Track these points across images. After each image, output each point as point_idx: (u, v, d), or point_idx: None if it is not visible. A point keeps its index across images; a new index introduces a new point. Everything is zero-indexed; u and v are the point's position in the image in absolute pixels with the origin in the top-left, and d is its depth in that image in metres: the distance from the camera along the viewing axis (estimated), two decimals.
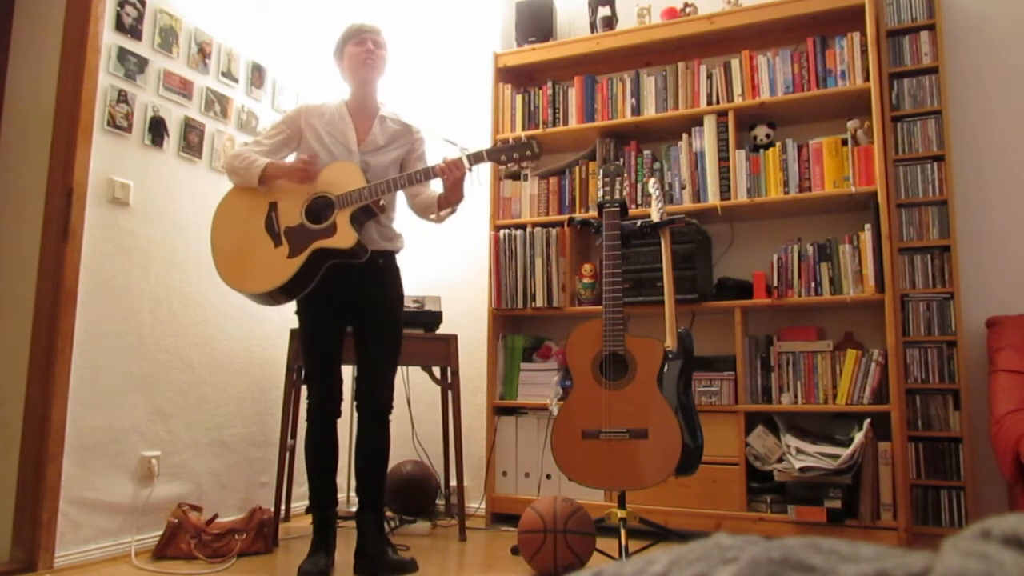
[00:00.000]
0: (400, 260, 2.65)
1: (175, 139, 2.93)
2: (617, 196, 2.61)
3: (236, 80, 3.24)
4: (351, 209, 2.36)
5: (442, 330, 3.16)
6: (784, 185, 3.09)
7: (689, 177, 3.25)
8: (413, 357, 3.03)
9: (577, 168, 3.48)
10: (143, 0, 2.81)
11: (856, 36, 3.03)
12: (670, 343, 2.60)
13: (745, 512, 2.87)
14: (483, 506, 3.35)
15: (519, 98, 3.61)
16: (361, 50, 2.55)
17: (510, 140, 2.45)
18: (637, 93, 3.39)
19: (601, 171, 2.70)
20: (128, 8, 2.75)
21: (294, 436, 3.06)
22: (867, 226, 2.92)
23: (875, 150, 2.93)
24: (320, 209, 2.40)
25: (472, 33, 3.93)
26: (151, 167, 2.83)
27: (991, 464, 2.72)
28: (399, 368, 2.62)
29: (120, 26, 2.72)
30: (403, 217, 2.70)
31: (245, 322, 3.23)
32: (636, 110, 3.38)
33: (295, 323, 2.64)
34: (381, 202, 2.45)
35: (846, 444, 2.74)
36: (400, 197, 2.70)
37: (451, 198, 2.52)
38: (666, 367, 2.53)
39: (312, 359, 2.53)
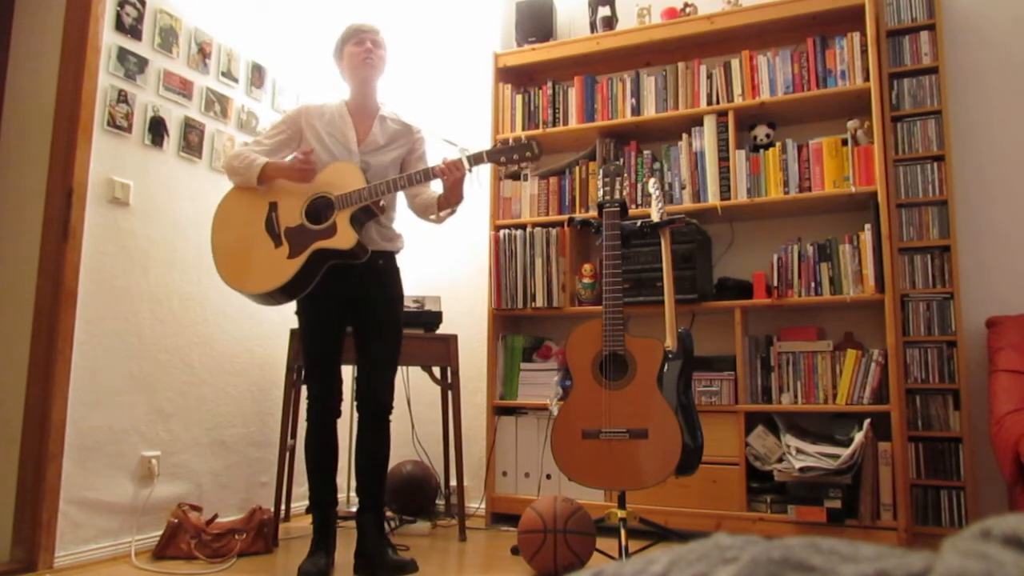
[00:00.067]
0: (400, 260, 2.65)
1: (175, 139, 2.93)
2: (617, 196, 2.61)
3: (236, 80, 3.24)
4: (351, 210, 2.36)
5: (442, 330, 3.16)
6: (784, 185, 3.09)
7: (689, 177, 3.25)
8: (413, 357, 3.03)
9: (577, 168, 3.48)
10: (143, 0, 2.81)
11: (856, 36, 3.03)
12: (670, 343, 2.60)
13: (745, 512, 2.87)
14: (483, 506, 3.35)
15: (519, 98, 3.61)
16: (360, 50, 2.55)
17: (510, 141, 2.45)
18: (637, 93, 3.39)
19: (601, 171, 2.70)
20: (128, 8, 2.75)
21: (294, 436, 3.06)
22: (867, 226, 2.92)
23: (875, 150, 2.93)
24: (320, 209, 2.40)
25: (472, 33, 3.93)
26: (151, 167, 2.83)
27: (991, 464, 2.72)
28: (399, 368, 2.62)
29: (120, 26, 2.72)
30: (403, 217, 2.70)
31: (245, 322, 3.23)
32: (636, 110, 3.38)
33: (295, 323, 2.64)
34: (381, 203, 2.45)
35: (846, 444, 2.74)
36: (400, 197, 2.70)
37: (451, 199, 2.52)
38: (666, 367, 2.53)
39: (312, 359, 2.53)
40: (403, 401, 3.36)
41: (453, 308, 3.58)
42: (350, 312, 2.53)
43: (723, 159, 3.18)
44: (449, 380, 3.12)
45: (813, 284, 2.99)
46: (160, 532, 2.67)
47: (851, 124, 3.02)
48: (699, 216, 3.20)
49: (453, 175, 2.42)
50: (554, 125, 3.53)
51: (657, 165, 3.35)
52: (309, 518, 2.63)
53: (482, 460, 3.45)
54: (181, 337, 2.93)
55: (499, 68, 3.64)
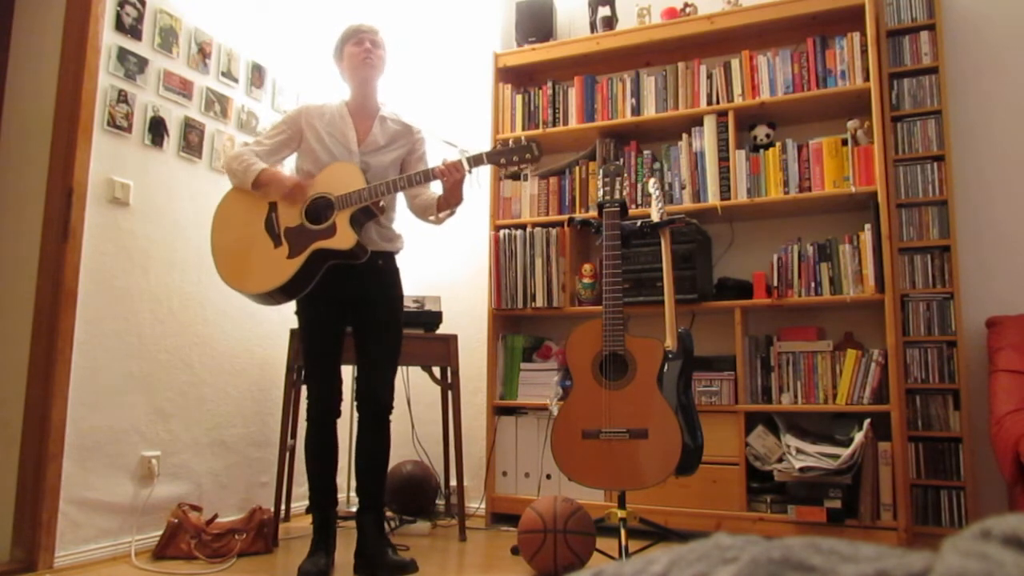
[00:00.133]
0: (400, 260, 2.65)
1: (175, 139, 2.93)
2: (617, 196, 2.61)
3: (236, 80, 3.24)
4: (351, 210, 2.36)
5: (442, 330, 3.16)
6: (784, 185, 3.09)
7: (689, 177, 3.25)
8: (413, 357, 3.03)
9: (577, 168, 3.49)
10: (143, 0, 2.81)
11: (856, 36, 3.03)
12: (670, 343, 2.60)
13: (745, 512, 2.87)
14: (483, 506, 3.35)
15: (519, 98, 3.61)
16: (360, 50, 2.55)
17: (510, 142, 2.45)
18: (637, 93, 3.39)
19: (601, 171, 2.70)
20: (128, 8, 2.75)
21: (294, 436, 3.06)
22: (867, 226, 2.92)
23: (875, 150, 2.93)
24: (320, 210, 2.40)
25: (472, 33, 3.93)
26: (151, 167, 2.83)
27: (991, 464, 2.72)
28: (399, 368, 2.62)
29: (120, 26, 2.72)
30: (403, 218, 2.70)
31: (245, 322, 3.23)
32: (636, 110, 3.38)
33: (295, 323, 2.64)
34: (381, 203, 2.46)
35: (846, 444, 2.74)
36: (400, 198, 2.70)
37: (450, 200, 2.52)
38: (666, 367, 2.53)
39: (312, 359, 2.54)
40: (403, 401, 3.36)
41: (453, 308, 3.58)
42: (350, 312, 2.53)
43: (723, 159, 3.18)
44: (449, 380, 3.12)
45: (813, 284, 2.99)
46: (160, 532, 2.67)
47: (851, 124, 3.02)
48: (699, 216, 3.20)
49: (453, 176, 2.42)
50: (554, 125, 3.53)
51: (657, 165, 3.35)
52: (309, 518, 2.63)
53: (482, 460, 3.45)
54: (181, 337, 2.93)
55: (499, 68, 3.64)
